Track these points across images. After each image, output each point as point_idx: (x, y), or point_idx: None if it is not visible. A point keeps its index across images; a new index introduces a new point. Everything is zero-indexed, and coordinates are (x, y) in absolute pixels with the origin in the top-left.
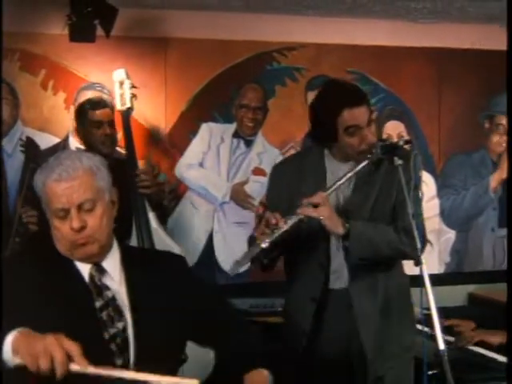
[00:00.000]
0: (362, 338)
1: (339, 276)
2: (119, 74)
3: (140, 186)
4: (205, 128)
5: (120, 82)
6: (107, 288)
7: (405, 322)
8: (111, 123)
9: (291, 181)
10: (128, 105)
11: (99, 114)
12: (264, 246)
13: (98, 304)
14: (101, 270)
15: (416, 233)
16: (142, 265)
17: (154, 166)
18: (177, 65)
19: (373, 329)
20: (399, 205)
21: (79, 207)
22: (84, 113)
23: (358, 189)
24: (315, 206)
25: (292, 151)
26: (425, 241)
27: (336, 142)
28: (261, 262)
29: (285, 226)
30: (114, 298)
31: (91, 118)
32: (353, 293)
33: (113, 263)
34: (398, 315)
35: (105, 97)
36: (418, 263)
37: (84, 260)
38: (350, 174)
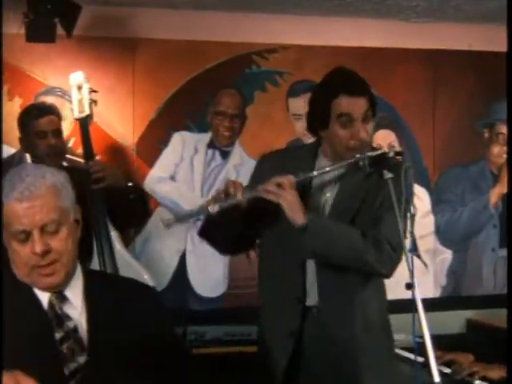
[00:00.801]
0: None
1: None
2: (77, 77)
3: (94, 179)
4: (177, 137)
5: (78, 86)
6: (68, 318)
7: (384, 350)
8: (57, 133)
9: (277, 172)
10: (87, 112)
11: (42, 122)
12: (211, 210)
13: (57, 335)
14: (62, 298)
15: (407, 252)
16: (105, 295)
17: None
18: (146, 68)
19: (352, 357)
20: (379, 217)
21: (42, 229)
22: (26, 121)
23: (340, 193)
24: (279, 187)
25: None
26: (397, 256)
27: (327, 131)
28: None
29: (241, 196)
30: (75, 330)
31: (34, 127)
32: (324, 311)
33: (75, 291)
34: (378, 342)
35: (49, 103)
36: (409, 286)
37: (47, 290)
38: (327, 169)
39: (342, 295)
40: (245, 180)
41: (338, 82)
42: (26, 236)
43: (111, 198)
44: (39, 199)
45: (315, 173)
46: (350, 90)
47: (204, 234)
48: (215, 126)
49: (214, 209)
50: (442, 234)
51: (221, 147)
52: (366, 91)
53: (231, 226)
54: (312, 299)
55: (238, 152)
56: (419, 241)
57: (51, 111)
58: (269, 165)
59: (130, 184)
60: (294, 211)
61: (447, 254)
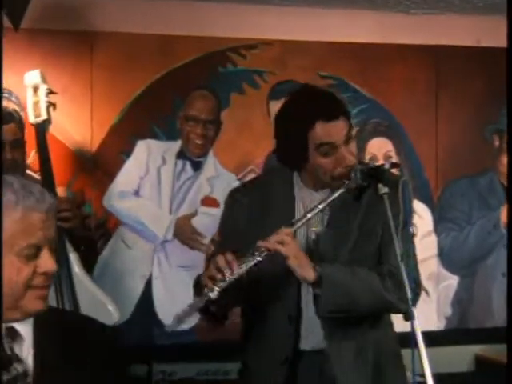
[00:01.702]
0: None
1: (312, 333)
2: (32, 76)
3: (58, 217)
4: (141, 146)
5: (34, 87)
6: (18, 359)
7: None
8: (16, 143)
9: (252, 213)
10: (44, 116)
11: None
12: (213, 295)
13: (4, 378)
14: (13, 334)
15: (406, 279)
16: (55, 335)
17: (76, 194)
18: (106, 66)
19: None
20: (386, 244)
21: (50, 246)
22: None
23: (333, 224)
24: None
25: (251, 176)
26: (419, 289)
27: (306, 164)
28: (208, 313)
29: (239, 269)
30: (25, 374)
31: None
32: (333, 358)
33: (27, 327)
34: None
35: (11, 108)
36: (408, 317)
37: (30, 316)
38: (322, 206)
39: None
40: (219, 195)
41: (309, 107)
42: (36, 252)
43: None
44: (50, 213)
45: (309, 215)
46: (326, 115)
47: (217, 319)
48: (186, 132)
49: (215, 293)
50: (446, 256)
51: (192, 157)
52: (343, 110)
53: (242, 298)
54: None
55: (211, 163)
56: (420, 265)
57: (12, 118)
58: (243, 206)
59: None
60: (301, 266)
61: (452, 280)
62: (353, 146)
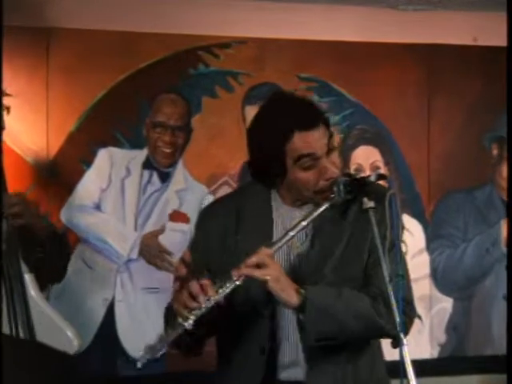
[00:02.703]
0: None
1: (292, 363)
2: None
3: (9, 214)
4: (103, 155)
5: None
6: None
7: None
8: None
9: (225, 231)
10: None
11: None
12: (187, 325)
13: None
14: None
15: (394, 301)
16: (8, 367)
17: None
18: (64, 66)
19: None
20: (374, 264)
21: None
22: None
23: (317, 243)
24: (257, 267)
25: (225, 188)
26: (411, 312)
27: (284, 179)
28: (182, 344)
29: (216, 296)
30: None
31: None
32: None
33: None
34: None
35: None
36: (396, 344)
37: None
38: (304, 223)
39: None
40: (189, 209)
41: (285, 115)
42: None
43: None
44: None
45: (292, 233)
46: (303, 124)
47: (191, 351)
48: (152, 140)
49: (190, 323)
50: (440, 277)
51: (159, 167)
52: (322, 117)
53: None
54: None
55: (181, 174)
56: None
57: None
58: (217, 215)
59: (51, 229)
60: (283, 289)
61: (446, 303)
62: (335, 156)
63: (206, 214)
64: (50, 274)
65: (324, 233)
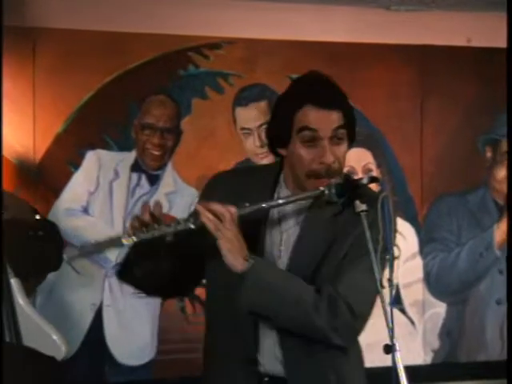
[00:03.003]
0: None
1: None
2: None
3: None
4: (91, 157)
5: None
6: None
7: None
8: None
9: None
10: None
11: None
12: (126, 241)
13: None
14: None
15: (387, 309)
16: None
17: None
18: (50, 67)
19: None
20: (343, 266)
21: None
22: None
23: (306, 234)
24: (217, 218)
25: None
26: (356, 321)
27: (286, 148)
28: (131, 278)
29: (167, 228)
30: None
31: None
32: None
33: None
34: None
35: None
36: (388, 350)
37: None
38: (280, 201)
39: (313, 363)
40: (178, 212)
41: (304, 89)
42: None
43: (13, 236)
44: None
45: (264, 205)
46: (317, 101)
47: (123, 275)
48: (141, 142)
49: (129, 241)
50: (433, 281)
51: (148, 170)
52: (342, 104)
53: (157, 265)
54: (270, 365)
55: (170, 176)
56: (403, 291)
57: None
58: (220, 192)
59: (38, 217)
60: (232, 253)
61: (439, 308)
62: (342, 149)
63: (212, 182)
64: (46, 262)
65: (312, 227)
